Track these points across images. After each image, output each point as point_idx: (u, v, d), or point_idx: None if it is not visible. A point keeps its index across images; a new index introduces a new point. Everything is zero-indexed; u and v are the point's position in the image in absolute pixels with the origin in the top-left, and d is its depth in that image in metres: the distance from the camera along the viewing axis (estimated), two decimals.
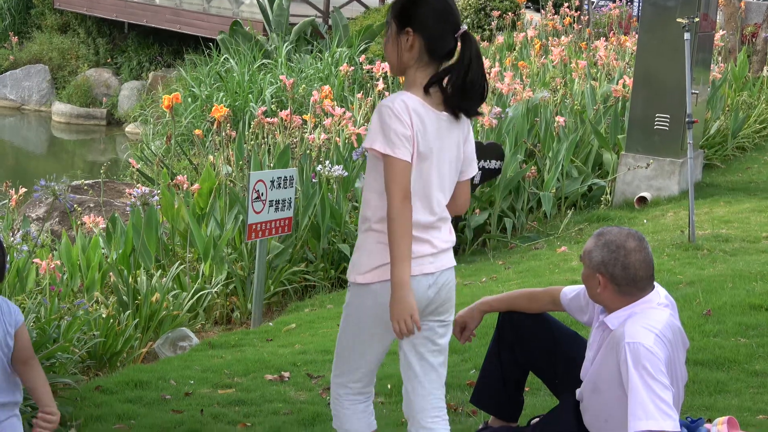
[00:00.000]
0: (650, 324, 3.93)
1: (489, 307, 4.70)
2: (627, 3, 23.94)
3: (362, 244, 3.80)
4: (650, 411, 3.77)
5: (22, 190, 9.17)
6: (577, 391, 4.28)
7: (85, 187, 11.19)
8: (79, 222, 8.86)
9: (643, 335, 3.88)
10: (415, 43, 3.75)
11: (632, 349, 3.85)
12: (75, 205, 9.16)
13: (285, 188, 7.79)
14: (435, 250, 3.81)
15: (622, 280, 3.99)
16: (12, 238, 7.66)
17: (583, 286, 4.29)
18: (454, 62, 3.77)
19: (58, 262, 7.87)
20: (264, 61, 19.09)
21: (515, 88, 12.46)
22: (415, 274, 3.72)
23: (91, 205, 10.56)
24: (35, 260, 7.62)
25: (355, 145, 10.57)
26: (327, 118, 11.06)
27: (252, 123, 11.14)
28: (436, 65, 3.77)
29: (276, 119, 10.87)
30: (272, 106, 16.27)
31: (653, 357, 3.83)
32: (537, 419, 4.65)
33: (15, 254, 7.42)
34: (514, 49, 17.84)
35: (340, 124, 10.91)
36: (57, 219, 10.41)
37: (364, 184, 3.84)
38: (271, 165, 9.57)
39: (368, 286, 3.77)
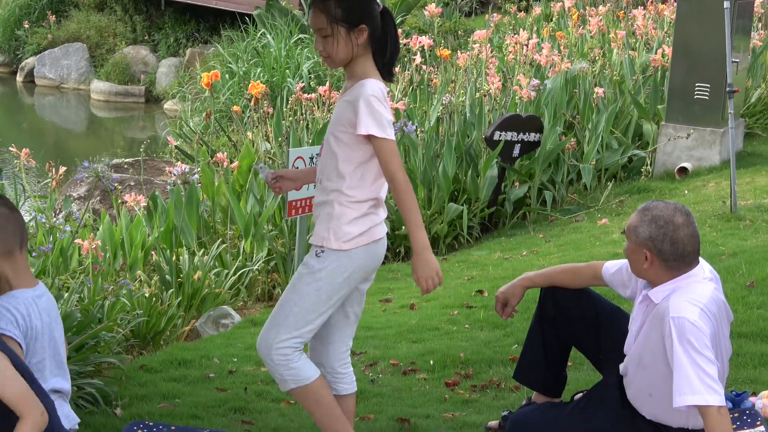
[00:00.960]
0: (695, 298, 3.91)
1: (531, 283, 4.70)
2: None
3: (340, 215, 4.05)
4: (695, 385, 3.76)
5: (63, 170, 9.22)
6: (621, 365, 4.27)
7: (125, 166, 11.24)
8: (120, 201, 8.90)
9: (688, 309, 3.86)
10: (365, 35, 4.03)
11: (677, 323, 3.84)
12: (116, 184, 9.21)
13: None
14: (386, 215, 4.22)
15: (670, 255, 3.96)
16: (54, 218, 7.72)
17: (625, 260, 4.27)
18: (382, 36, 4.09)
19: (100, 242, 7.92)
20: (301, 35, 19.04)
21: (553, 60, 12.39)
22: (381, 237, 4.15)
23: (132, 183, 10.61)
24: (77, 240, 7.66)
25: (393, 120, 10.52)
26: None
27: (290, 99, 11.14)
28: (371, 45, 4.07)
29: (314, 95, 10.87)
30: (310, 82, 16.25)
31: (698, 331, 3.82)
32: (580, 394, 4.65)
33: (58, 234, 7.48)
34: (552, 20, 17.72)
35: None
36: (98, 198, 10.48)
37: (330, 162, 4.10)
38: (310, 141, 9.57)
39: (348, 252, 4.06)
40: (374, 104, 3.94)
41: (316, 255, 4.06)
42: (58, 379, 3.86)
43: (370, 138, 3.96)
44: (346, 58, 4.05)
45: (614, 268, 4.44)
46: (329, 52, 4.05)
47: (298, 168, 7.57)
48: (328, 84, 11.17)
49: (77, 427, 4.00)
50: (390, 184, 4.01)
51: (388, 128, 3.97)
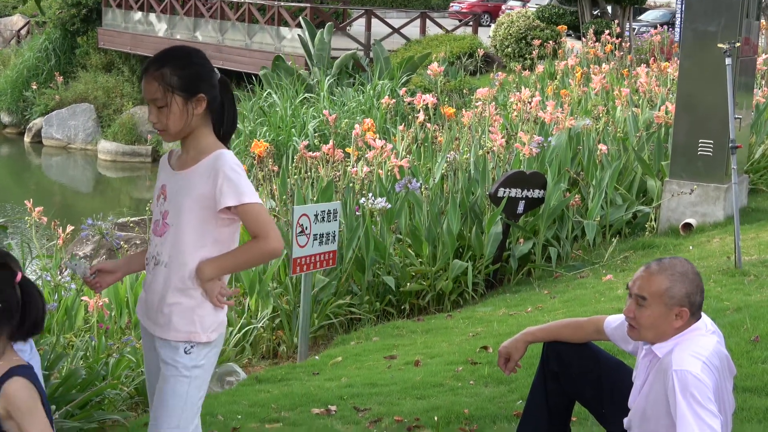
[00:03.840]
0: (698, 351, 3.91)
1: (533, 338, 4.70)
2: (668, 29, 23.90)
3: (203, 302, 3.86)
4: None
5: (70, 229, 9.25)
6: (625, 420, 4.26)
7: (131, 224, 11.30)
8: None
9: (690, 363, 3.85)
10: (204, 105, 3.84)
11: (680, 376, 3.83)
12: (122, 242, 9.23)
13: (329, 221, 7.83)
14: None
15: (698, 306, 3.98)
16: (60, 277, 7.74)
17: None
18: (220, 106, 3.91)
19: (106, 299, 7.94)
20: (306, 95, 19.20)
21: (557, 117, 12.46)
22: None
23: (138, 242, 10.65)
24: (83, 298, 7.69)
25: (398, 177, 10.60)
26: (369, 150, 11.11)
27: (295, 157, 11.20)
28: (210, 116, 3.89)
29: (318, 153, 10.93)
30: (315, 140, 16.34)
31: (701, 384, 3.81)
32: None
33: (63, 293, 7.50)
34: (556, 78, 17.85)
35: (382, 156, 10.96)
36: (104, 256, 10.51)
37: (183, 243, 3.85)
38: (315, 199, 9.62)
39: (214, 341, 3.89)
40: (239, 172, 3.78)
41: (185, 352, 3.84)
42: None
43: (237, 210, 3.76)
44: (183, 131, 3.84)
45: (616, 322, 4.44)
46: (164, 124, 3.82)
47: (302, 225, 7.62)
48: (332, 142, 11.23)
49: None
50: (256, 240, 3.79)
51: (255, 194, 3.79)
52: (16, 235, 13.05)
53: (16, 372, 3.41)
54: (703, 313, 4.10)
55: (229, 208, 3.75)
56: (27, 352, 3.80)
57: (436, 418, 5.87)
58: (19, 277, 3.42)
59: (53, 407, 4.97)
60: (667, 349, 4.00)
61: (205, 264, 3.80)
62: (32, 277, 8.63)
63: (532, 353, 5.01)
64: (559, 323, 4.70)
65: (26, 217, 9.09)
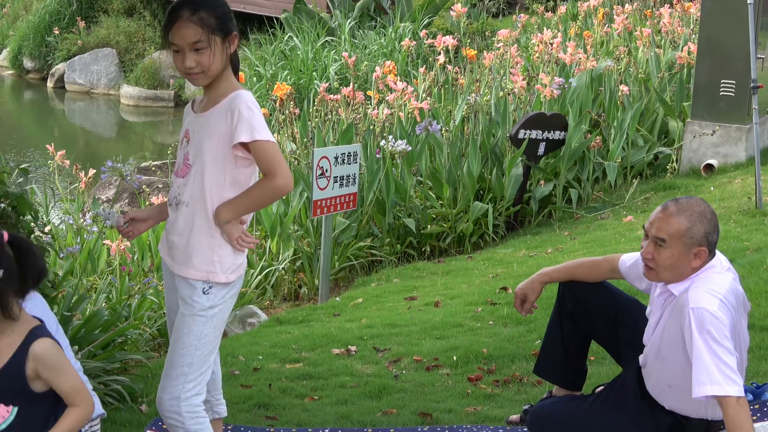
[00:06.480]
0: (714, 289, 3.92)
1: (549, 278, 4.71)
2: None
3: (222, 243, 3.85)
4: (714, 376, 3.76)
5: (92, 172, 9.29)
6: (640, 357, 4.29)
7: (153, 168, 11.33)
8: (147, 203, 8.98)
9: (707, 300, 3.87)
10: (236, 42, 3.88)
11: (696, 314, 3.85)
12: (143, 186, 9.27)
13: (349, 164, 7.84)
14: None
15: (714, 244, 4.00)
16: (82, 220, 7.79)
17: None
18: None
19: (128, 243, 8.00)
20: (328, 38, 19.12)
21: (579, 58, 12.39)
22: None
23: (160, 185, 10.69)
24: (106, 242, 7.74)
25: (419, 119, 10.59)
26: (390, 93, 11.08)
27: (316, 100, 11.20)
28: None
29: (339, 96, 10.92)
30: (336, 83, 16.30)
31: (717, 322, 3.82)
32: (601, 388, 4.67)
33: (85, 235, 7.55)
34: (578, 19, 17.71)
35: (402, 98, 10.94)
36: (126, 200, 10.56)
37: (205, 182, 3.84)
38: (335, 141, 9.63)
39: (232, 282, 3.89)
40: (255, 111, 3.79)
41: (204, 292, 3.84)
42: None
43: (250, 147, 3.76)
44: (221, 70, 3.85)
45: (630, 260, 4.45)
46: (205, 66, 3.81)
47: (322, 168, 7.64)
48: (352, 84, 11.21)
49: (103, 412, 4.09)
50: (265, 177, 3.78)
51: (268, 132, 3.80)
52: (39, 179, 13.13)
53: (38, 333, 3.45)
54: (717, 250, 4.10)
55: (243, 146, 3.76)
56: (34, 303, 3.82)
57: (454, 358, 5.92)
58: (6, 236, 3.41)
59: (75, 348, 5.03)
60: (684, 287, 4.01)
61: (221, 207, 3.81)
62: (55, 221, 8.70)
63: (549, 294, 5.04)
64: (575, 263, 4.72)
65: (49, 161, 9.14)
